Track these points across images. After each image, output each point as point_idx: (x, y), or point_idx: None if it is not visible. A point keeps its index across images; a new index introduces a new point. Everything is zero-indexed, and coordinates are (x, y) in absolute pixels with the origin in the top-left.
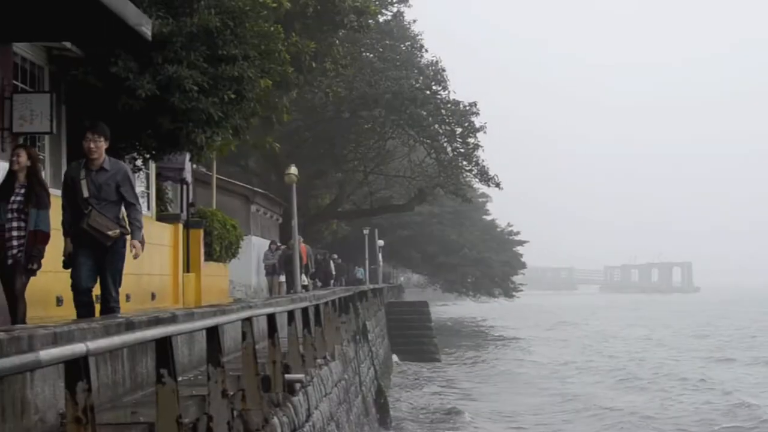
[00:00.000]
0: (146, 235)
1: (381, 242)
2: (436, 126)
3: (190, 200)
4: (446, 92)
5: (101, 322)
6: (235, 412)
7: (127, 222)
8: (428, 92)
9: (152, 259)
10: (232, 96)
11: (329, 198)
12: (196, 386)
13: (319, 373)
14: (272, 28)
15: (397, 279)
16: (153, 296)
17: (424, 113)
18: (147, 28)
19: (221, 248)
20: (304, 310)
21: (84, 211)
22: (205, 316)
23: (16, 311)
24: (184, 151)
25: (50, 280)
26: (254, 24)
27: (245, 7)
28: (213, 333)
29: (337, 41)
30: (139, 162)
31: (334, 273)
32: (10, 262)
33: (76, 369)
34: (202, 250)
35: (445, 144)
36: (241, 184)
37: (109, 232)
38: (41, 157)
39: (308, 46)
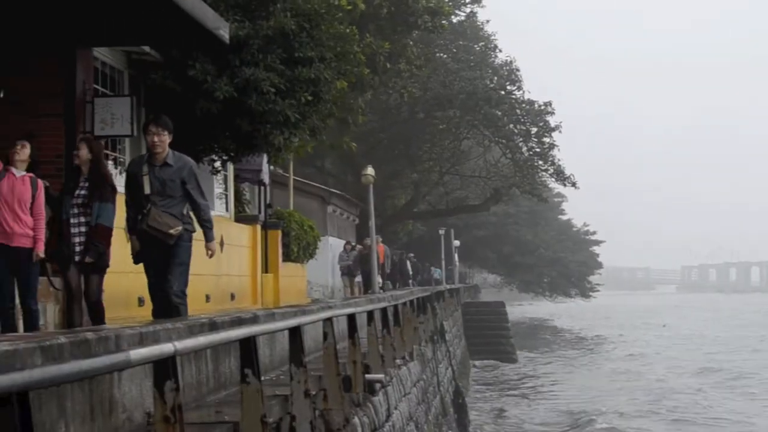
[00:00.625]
0: (225, 236)
1: (457, 242)
2: (511, 126)
3: (268, 201)
4: (521, 92)
5: (185, 323)
6: (316, 412)
7: (194, 220)
8: (503, 92)
9: (231, 260)
10: (309, 98)
11: (405, 198)
12: (278, 386)
13: (399, 373)
14: (347, 30)
15: (473, 279)
16: (232, 297)
17: (499, 113)
18: (225, 32)
19: (299, 249)
20: (383, 311)
21: (144, 210)
22: (286, 317)
23: (96, 312)
24: (261, 152)
25: (131, 281)
26: (330, 26)
27: (321, 9)
28: (295, 333)
29: (411, 42)
30: (217, 164)
31: (410, 273)
32: (77, 258)
33: (164, 368)
34: (280, 251)
35: (520, 144)
36: (317, 185)
37: (171, 230)
38: (118, 155)
39: (383, 47)
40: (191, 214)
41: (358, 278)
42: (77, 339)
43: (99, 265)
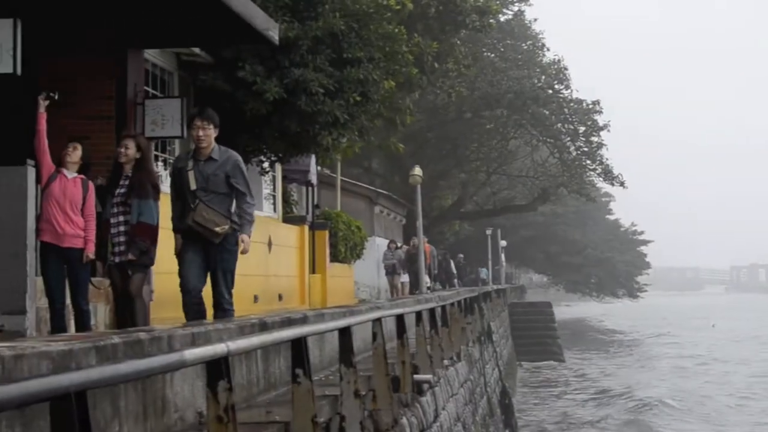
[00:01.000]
0: (273, 237)
1: (504, 242)
2: (559, 125)
3: (316, 202)
4: (569, 91)
5: (236, 323)
6: (365, 412)
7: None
8: (550, 91)
9: (279, 261)
10: (358, 98)
11: (452, 199)
12: (327, 386)
13: (446, 374)
14: (396, 30)
15: (520, 279)
16: (280, 297)
17: (547, 112)
18: (274, 33)
19: (346, 249)
20: (431, 311)
21: (191, 205)
22: (335, 317)
23: (134, 313)
24: (310, 153)
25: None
26: (378, 26)
27: (369, 9)
28: (345, 333)
29: (459, 41)
30: (265, 165)
31: (455, 273)
32: (117, 260)
33: (217, 368)
34: (328, 251)
35: (568, 143)
36: (365, 185)
37: (217, 228)
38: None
39: (431, 46)
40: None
41: (404, 278)
42: (131, 339)
43: (142, 263)
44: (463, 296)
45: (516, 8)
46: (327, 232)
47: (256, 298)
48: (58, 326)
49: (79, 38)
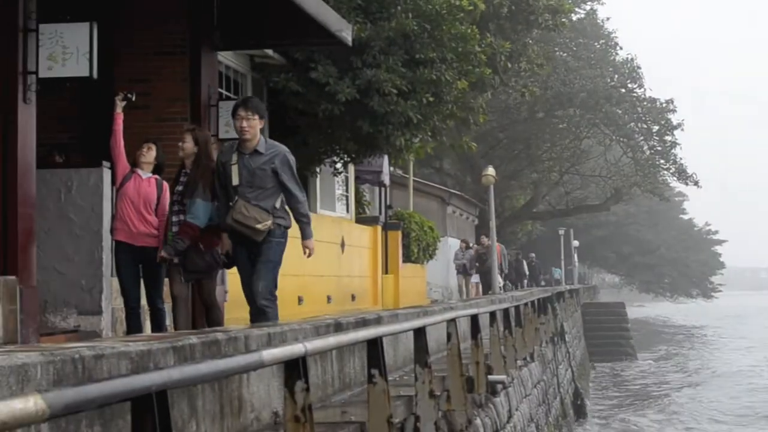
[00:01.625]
0: (346, 238)
1: (576, 242)
2: (632, 124)
3: (388, 202)
4: (642, 90)
5: (312, 324)
6: (440, 413)
7: (289, 215)
8: (623, 90)
9: (352, 261)
10: (431, 98)
11: (524, 199)
12: (401, 386)
13: (520, 374)
14: (468, 30)
15: (592, 280)
16: (353, 298)
17: (620, 111)
18: (347, 34)
19: (419, 250)
20: (505, 311)
21: (230, 203)
22: (410, 318)
23: (210, 316)
24: (382, 153)
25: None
26: (451, 26)
27: (442, 10)
28: (420, 334)
29: (531, 41)
30: (338, 165)
31: (527, 273)
32: (176, 261)
33: (295, 369)
34: (401, 252)
35: (641, 142)
36: (437, 185)
37: (258, 225)
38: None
39: (503, 46)
40: (287, 208)
41: (475, 278)
42: (208, 339)
43: (205, 270)
44: (536, 296)
45: (588, 7)
46: (400, 233)
47: (329, 299)
48: (133, 326)
49: (154, 40)
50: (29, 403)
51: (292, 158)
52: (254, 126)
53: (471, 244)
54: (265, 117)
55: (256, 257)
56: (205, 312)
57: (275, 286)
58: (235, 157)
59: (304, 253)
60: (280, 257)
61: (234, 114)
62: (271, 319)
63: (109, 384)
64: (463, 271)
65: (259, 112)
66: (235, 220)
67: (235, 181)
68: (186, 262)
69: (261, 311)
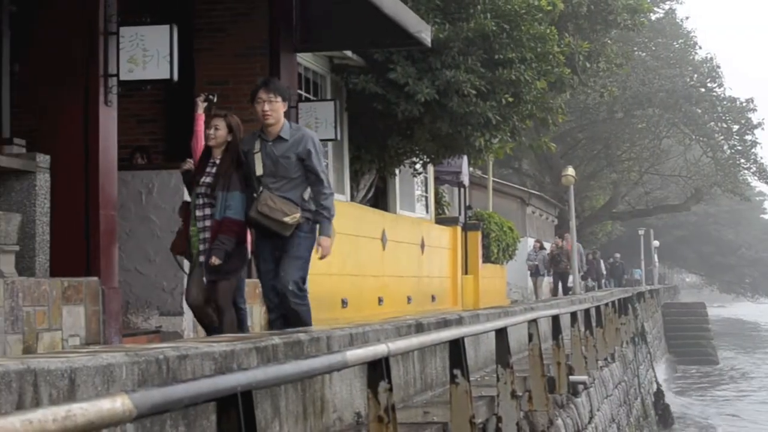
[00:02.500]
0: (426, 238)
1: (656, 243)
2: (712, 124)
3: (468, 203)
4: (721, 89)
5: (393, 324)
6: (521, 413)
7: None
8: (703, 90)
9: (431, 262)
10: (510, 99)
11: (603, 199)
12: (483, 387)
13: (601, 375)
14: (547, 31)
15: (672, 280)
16: (433, 298)
17: (699, 111)
18: (426, 35)
19: (498, 250)
20: (586, 312)
21: (254, 194)
22: (491, 318)
23: (222, 320)
24: (462, 154)
25: (335, 282)
26: (530, 27)
27: (521, 10)
28: (502, 334)
29: (610, 40)
30: (418, 166)
31: (604, 272)
32: (201, 258)
33: (378, 369)
34: (480, 252)
35: (721, 142)
36: (516, 186)
37: (285, 219)
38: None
39: (582, 46)
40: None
41: (548, 278)
42: (291, 340)
43: (227, 268)
44: (616, 297)
45: (667, 6)
46: (479, 233)
47: (409, 299)
48: (240, 324)
49: (233, 42)
50: (116, 404)
51: (318, 143)
52: (277, 109)
53: (544, 244)
54: (288, 99)
55: (282, 253)
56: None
57: (304, 281)
58: (257, 145)
59: (316, 251)
60: (309, 253)
61: (254, 97)
62: (306, 321)
63: (195, 384)
64: (536, 272)
65: (282, 94)
66: (260, 212)
67: (259, 171)
68: (209, 260)
69: (293, 312)
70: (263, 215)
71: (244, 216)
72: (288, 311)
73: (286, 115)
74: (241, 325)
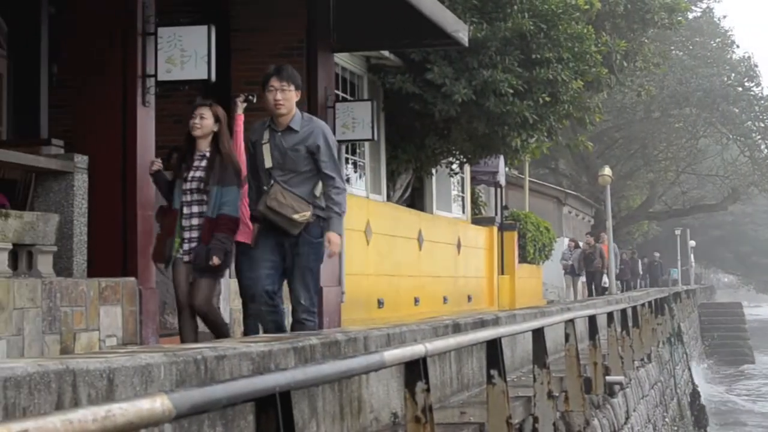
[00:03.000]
0: (462, 238)
1: (693, 242)
2: (749, 123)
3: (504, 203)
4: (759, 88)
5: (430, 324)
6: (557, 413)
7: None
8: (740, 89)
9: (468, 262)
10: (547, 98)
11: (640, 198)
12: (519, 387)
13: (637, 375)
14: (584, 30)
15: (709, 280)
16: (469, 298)
17: (737, 110)
18: (463, 35)
19: (535, 250)
20: (622, 312)
21: (263, 187)
22: (527, 318)
23: (211, 326)
24: (498, 154)
25: (372, 283)
26: (567, 26)
27: (558, 9)
28: (539, 335)
29: (647, 40)
30: (455, 166)
31: (641, 272)
32: (186, 259)
33: (415, 369)
34: (516, 253)
35: (759, 141)
36: (553, 185)
37: (295, 216)
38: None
39: (619, 45)
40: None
41: (583, 278)
42: (328, 340)
43: (213, 268)
44: (653, 297)
45: (704, 5)
46: (516, 233)
47: (445, 300)
48: (253, 327)
49: (270, 42)
50: (156, 404)
51: (331, 136)
52: (290, 98)
53: (579, 243)
54: (301, 89)
55: (292, 258)
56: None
57: (316, 297)
58: (266, 135)
59: (326, 249)
60: (320, 263)
61: (266, 85)
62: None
63: (234, 384)
64: (571, 271)
65: (295, 82)
66: (269, 207)
67: (268, 163)
68: (196, 257)
69: (301, 325)
70: (272, 210)
71: (254, 209)
72: (295, 325)
73: (299, 105)
74: (279, 325)
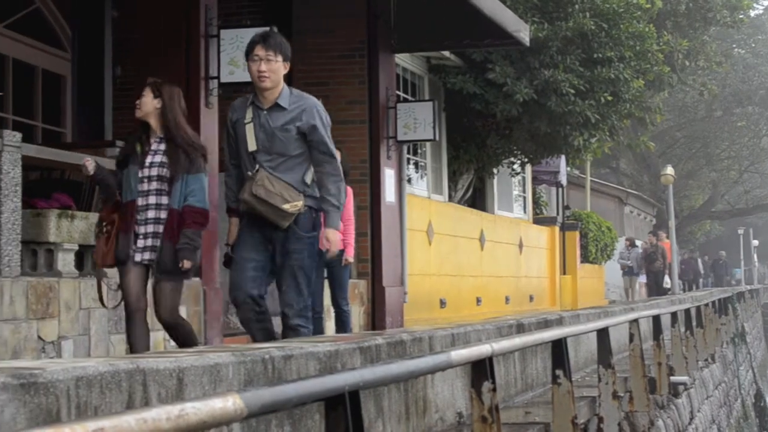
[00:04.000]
0: (524, 238)
1: (756, 242)
2: None
3: (565, 203)
4: None
5: (494, 324)
6: (622, 413)
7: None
8: None
9: (530, 262)
10: (609, 98)
11: (702, 198)
12: (583, 387)
13: (701, 376)
14: (646, 29)
15: None
16: (531, 298)
17: None
18: (525, 34)
19: (596, 250)
20: (686, 312)
21: (248, 173)
22: (591, 318)
23: (176, 335)
24: (560, 154)
25: (434, 283)
26: (628, 25)
27: (619, 8)
28: (603, 335)
29: (709, 38)
30: (516, 166)
31: (702, 272)
32: (138, 258)
33: (482, 369)
34: (578, 252)
35: None
36: (614, 185)
37: (285, 206)
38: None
39: (680, 44)
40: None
41: (641, 278)
42: (393, 340)
43: (176, 269)
44: (716, 297)
45: (766, 2)
46: (577, 233)
47: (507, 299)
48: (316, 329)
49: (332, 43)
50: (228, 403)
51: (325, 114)
52: (276, 70)
53: (636, 242)
54: (290, 60)
55: (282, 256)
56: (163, 325)
57: (309, 301)
58: (249, 114)
59: (324, 246)
60: (314, 260)
61: (249, 54)
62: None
63: (304, 384)
64: (630, 271)
65: (283, 52)
66: (255, 195)
67: (252, 146)
68: (162, 256)
69: (294, 331)
70: (259, 199)
71: (234, 200)
72: (286, 331)
73: (287, 79)
74: (344, 326)
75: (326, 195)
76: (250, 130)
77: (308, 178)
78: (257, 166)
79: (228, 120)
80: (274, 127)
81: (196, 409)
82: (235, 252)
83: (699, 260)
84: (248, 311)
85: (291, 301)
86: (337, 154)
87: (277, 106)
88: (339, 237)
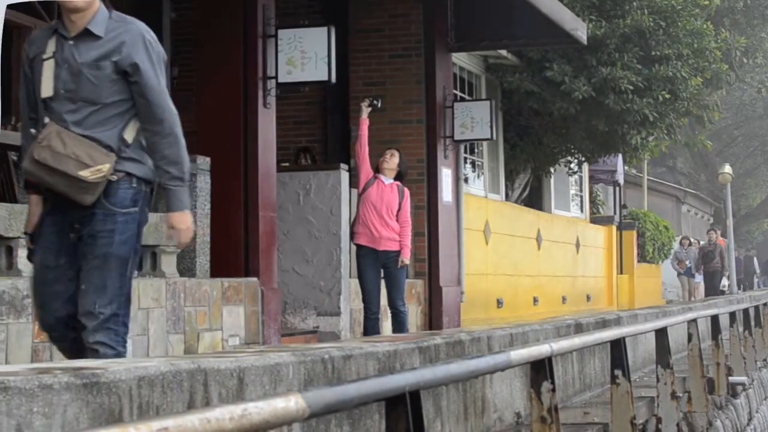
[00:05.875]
0: (581, 238)
1: None
2: None
3: (622, 202)
4: None
5: (552, 324)
6: (680, 414)
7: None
8: None
9: (587, 262)
10: (667, 96)
11: (760, 197)
12: (641, 387)
13: (760, 376)
14: (704, 26)
15: None
16: (588, 298)
17: None
18: (582, 32)
19: (654, 249)
20: (744, 311)
21: (33, 130)
22: (649, 318)
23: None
24: (617, 152)
25: (490, 282)
26: (686, 22)
27: (677, 6)
28: (662, 334)
29: (766, 35)
30: (573, 165)
31: (757, 270)
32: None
33: (541, 369)
34: (635, 252)
35: None
36: (671, 184)
37: (82, 172)
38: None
39: (738, 41)
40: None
41: (698, 278)
42: (452, 340)
43: None
44: None
45: None
46: (635, 233)
47: (564, 299)
48: (371, 329)
49: (388, 43)
50: (290, 402)
51: (157, 46)
52: None
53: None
54: None
55: (84, 242)
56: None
57: (128, 302)
58: (52, 46)
59: (168, 234)
60: (130, 246)
61: None
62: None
63: (365, 384)
64: (687, 271)
65: None
66: (36, 161)
67: (47, 91)
68: None
69: (91, 350)
70: (43, 166)
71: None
72: (86, 350)
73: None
74: (401, 326)
75: (163, 163)
76: (48, 68)
77: (129, 136)
78: (46, 120)
79: (24, 56)
80: (81, 63)
81: (259, 408)
82: (35, 249)
83: (755, 259)
84: (63, 338)
85: (90, 306)
86: (173, 114)
87: (87, 34)
88: (189, 221)
